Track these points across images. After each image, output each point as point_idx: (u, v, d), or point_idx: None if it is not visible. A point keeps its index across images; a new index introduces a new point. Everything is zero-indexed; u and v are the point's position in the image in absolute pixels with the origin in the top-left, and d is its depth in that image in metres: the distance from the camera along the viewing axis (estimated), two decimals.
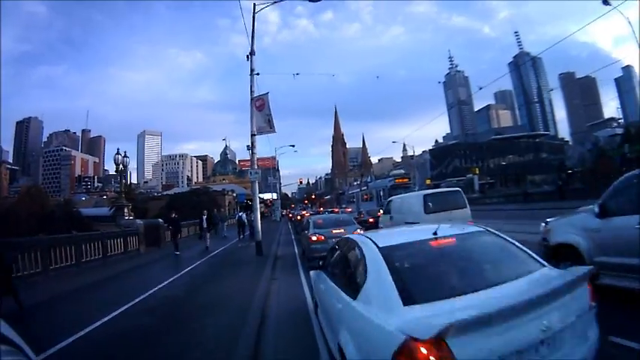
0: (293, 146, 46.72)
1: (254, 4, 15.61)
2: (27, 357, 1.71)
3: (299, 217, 27.49)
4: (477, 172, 59.72)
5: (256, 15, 15.57)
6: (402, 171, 33.09)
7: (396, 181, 26.77)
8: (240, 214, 27.32)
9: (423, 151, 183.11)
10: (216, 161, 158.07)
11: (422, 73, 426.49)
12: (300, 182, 54.37)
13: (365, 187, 32.63)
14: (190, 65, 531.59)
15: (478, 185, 57.33)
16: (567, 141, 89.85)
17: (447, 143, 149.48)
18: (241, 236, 24.50)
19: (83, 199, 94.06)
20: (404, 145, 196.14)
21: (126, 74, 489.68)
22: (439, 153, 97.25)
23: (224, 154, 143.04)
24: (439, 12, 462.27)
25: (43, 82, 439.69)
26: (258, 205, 16.34)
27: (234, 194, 58.56)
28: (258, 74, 15.91)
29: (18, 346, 1.66)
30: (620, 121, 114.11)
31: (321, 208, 49.91)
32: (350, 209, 30.59)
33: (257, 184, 15.68)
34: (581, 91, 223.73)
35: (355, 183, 45.64)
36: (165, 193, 75.91)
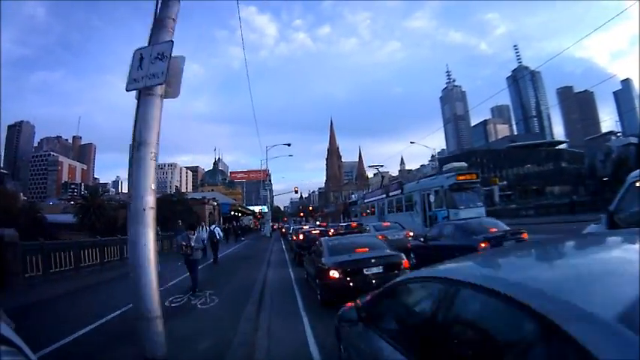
0: (289, 145, 39.55)
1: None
2: (27, 357, 1.64)
3: (300, 237, 17.03)
4: (497, 182, 52.22)
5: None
6: (464, 163, 22.64)
7: (458, 178, 17.75)
8: (212, 227, 19.03)
9: (422, 165, 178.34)
10: (205, 171, 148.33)
11: (418, 88, 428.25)
12: (296, 191, 45.96)
13: (396, 191, 23.51)
14: (186, 76, 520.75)
15: (498, 197, 50.27)
16: (582, 151, 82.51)
17: (462, 150, 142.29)
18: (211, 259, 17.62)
19: (51, 203, 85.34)
20: (401, 159, 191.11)
21: (122, 82, 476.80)
22: (451, 161, 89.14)
23: (214, 164, 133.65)
24: (436, 27, 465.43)
25: (38, 86, 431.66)
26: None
27: (216, 203, 50.03)
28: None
29: (17, 346, 1.60)
30: (618, 134, 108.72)
31: (324, 223, 41.49)
32: (387, 223, 18.46)
33: None
34: (579, 106, 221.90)
35: (367, 191, 37.13)
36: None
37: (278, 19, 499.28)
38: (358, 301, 3.67)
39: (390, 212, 24.09)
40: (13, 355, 1.53)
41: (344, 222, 37.40)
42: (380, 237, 16.06)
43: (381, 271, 7.49)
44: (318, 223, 62.72)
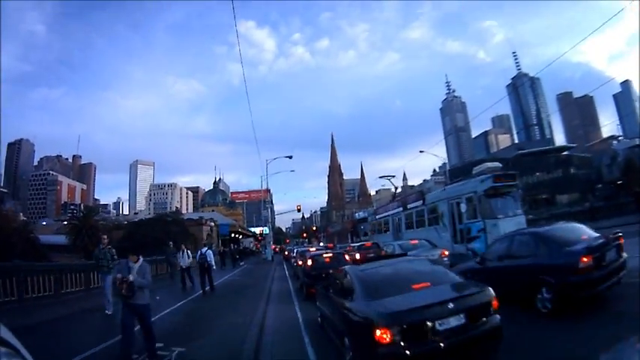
0: (290, 157, 36.30)
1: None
2: (24, 359, 1.65)
3: (309, 262, 12.85)
4: None
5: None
6: (498, 163, 18.82)
7: (496, 181, 14.56)
8: (204, 250, 15.79)
9: (424, 180, 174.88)
10: (205, 191, 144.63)
11: (418, 100, 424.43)
12: (299, 209, 42.96)
13: (416, 203, 20.02)
14: (186, 94, 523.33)
15: None
16: (589, 156, 79.56)
17: (465, 161, 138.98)
18: (203, 288, 14.91)
19: (44, 224, 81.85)
20: (404, 174, 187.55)
21: (122, 100, 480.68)
22: (460, 172, 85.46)
23: (215, 183, 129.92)
24: (434, 37, 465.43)
25: (38, 103, 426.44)
26: None
27: (214, 224, 46.64)
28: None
29: (16, 348, 1.62)
30: (620, 138, 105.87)
31: (330, 244, 38.12)
32: (415, 240, 15.66)
33: None
34: (579, 111, 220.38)
35: (378, 206, 33.84)
36: (128, 220, 62.29)
37: (277, 33, 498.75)
38: None
39: (408, 228, 20.83)
40: (11, 357, 1.54)
41: (353, 242, 33.85)
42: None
43: (463, 322, 4.36)
44: (322, 244, 59.07)
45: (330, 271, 11.35)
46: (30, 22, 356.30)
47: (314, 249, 21.40)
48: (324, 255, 12.70)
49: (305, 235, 73.07)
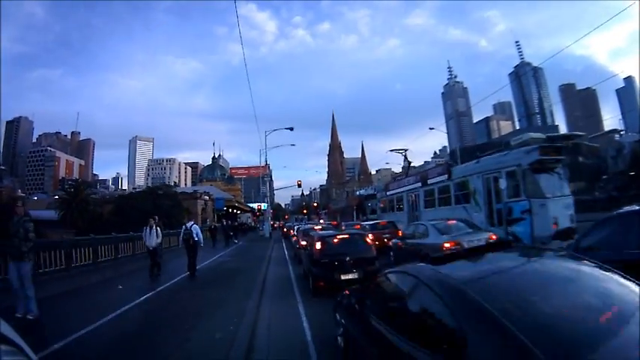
0: (291, 129, 33.17)
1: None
2: (27, 357, 1.63)
3: (318, 246, 9.24)
4: None
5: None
6: (540, 134, 15.97)
7: (543, 153, 11.99)
8: (189, 224, 12.96)
9: (425, 161, 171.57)
10: (204, 166, 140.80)
11: (419, 85, 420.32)
12: (299, 184, 39.68)
13: (440, 178, 17.15)
14: (186, 73, 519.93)
15: None
16: (598, 145, 76.92)
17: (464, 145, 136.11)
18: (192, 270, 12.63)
19: (35, 198, 79.27)
20: (405, 155, 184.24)
21: (122, 80, 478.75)
22: (471, 152, 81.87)
23: (213, 158, 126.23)
24: (436, 25, 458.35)
25: (38, 83, 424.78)
26: None
27: (208, 197, 43.62)
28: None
29: (18, 345, 1.59)
30: (622, 132, 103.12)
31: (334, 221, 35.11)
32: (452, 220, 11.69)
33: None
34: (582, 104, 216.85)
35: (391, 181, 31.01)
36: (119, 194, 58.88)
37: (278, 16, 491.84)
38: None
39: (429, 207, 17.91)
40: (13, 355, 1.50)
41: (360, 220, 30.89)
42: (450, 244, 10.00)
43: None
44: (322, 221, 56.09)
45: (348, 258, 8.56)
46: (29, 3, 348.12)
47: (319, 227, 18.35)
48: (339, 237, 9.57)
49: (305, 211, 69.25)
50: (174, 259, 15.89)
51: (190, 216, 38.80)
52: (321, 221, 38.47)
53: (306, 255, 10.44)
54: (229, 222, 36.53)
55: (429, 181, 18.08)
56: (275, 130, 33.23)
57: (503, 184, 12.44)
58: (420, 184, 19.07)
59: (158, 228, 12.70)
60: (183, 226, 13.52)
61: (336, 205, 43.84)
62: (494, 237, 9.74)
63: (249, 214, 63.99)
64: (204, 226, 32.30)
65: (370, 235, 10.81)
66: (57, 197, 51.41)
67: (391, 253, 12.95)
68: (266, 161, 37.34)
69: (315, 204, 57.04)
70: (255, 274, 12.13)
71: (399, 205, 21.98)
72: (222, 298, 8.47)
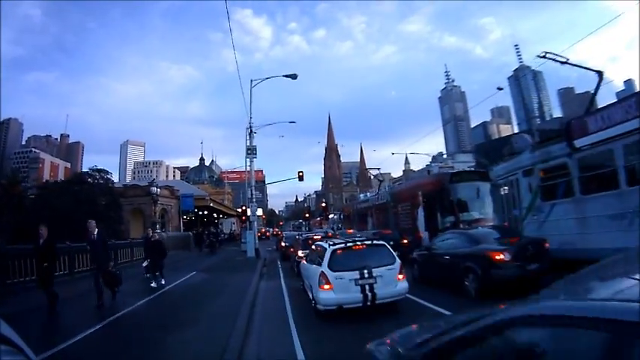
0: (294, 77, 22.14)
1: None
2: (27, 357, 1.56)
3: None
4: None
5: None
6: None
7: None
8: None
9: (427, 165, 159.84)
10: (191, 168, 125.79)
11: (414, 92, 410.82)
12: (300, 176, 25.72)
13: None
14: (181, 79, 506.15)
15: None
16: None
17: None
18: None
19: None
20: (406, 158, 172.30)
21: (116, 84, 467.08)
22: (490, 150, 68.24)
23: (201, 159, 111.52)
24: (431, 31, 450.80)
25: (33, 86, 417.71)
26: None
27: (170, 193, 29.66)
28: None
29: (18, 346, 1.52)
30: None
31: (349, 229, 22.07)
32: None
33: None
34: (581, 108, 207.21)
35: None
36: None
37: (273, 22, 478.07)
38: None
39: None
40: (13, 355, 1.46)
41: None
42: None
43: None
44: (325, 227, 42.08)
45: None
46: (25, 6, 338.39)
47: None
48: None
49: (308, 214, 55.09)
50: None
51: (145, 219, 25.54)
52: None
53: None
54: (197, 230, 23.25)
55: None
56: (268, 78, 20.33)
57: None
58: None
59: None
60: None
61: (359, 204, 28.51)
62: None
63: (233, 220, 50.36)
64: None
65: None
66: None
67: None
68: (253, 149, 22.71)
69: (324, 203, 43.05)
70: None
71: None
72: None
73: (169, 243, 23.71)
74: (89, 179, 25.71)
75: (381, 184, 28.86)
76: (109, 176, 26.28)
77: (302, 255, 11.92)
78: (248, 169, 21.59)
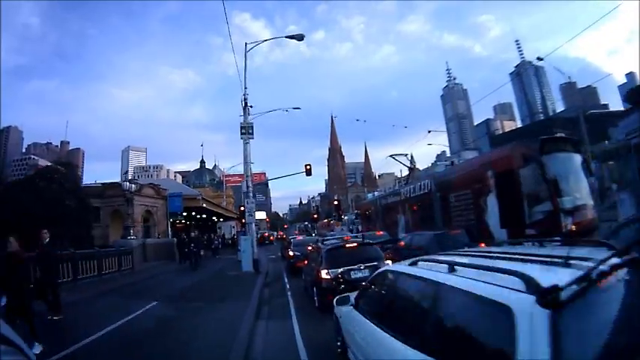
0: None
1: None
2: (26, 357, 1.59)
3: None
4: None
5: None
6: None
7: None
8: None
9: (433, 163, 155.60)
10: (191, 171, 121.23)
11: (415, 91, 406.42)
12: (307, 169, 20.76)
13: None
14: (181, 84, 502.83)
15: None
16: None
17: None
18: None
19: None
20: (411, 158, 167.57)
21: (117, 90, 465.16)
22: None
23: (202, 162, 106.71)
24: (431, 30, 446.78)
25: (33, 95, 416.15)
26: None
27: (155, 192, 24.89)
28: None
29: (17, 346, 1.54)
30: None
31: (379, 231, 17.06)
32: None
33: None
34: (584, 102, 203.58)
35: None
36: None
37: (272, 25, 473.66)
38: None
39: None
40: (12, 355, 1.47)
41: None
42: None
43: None
44: (340, 228, 37.48)
45: None
46: (25, 14, 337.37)
47: None
48: None
49: (316, 215, 50.66)
50: None
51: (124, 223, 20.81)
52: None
53: None
54: (186, 235, 18.53)
55: None
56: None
57: None
58: None
59: None
60: None
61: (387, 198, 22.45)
62: None
63: (233, 223, 45.35)
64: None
65: None
66: None
67: None
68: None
69: (336, 201, 37.75)
70: None
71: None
72: None
73: (150, 253, 18.86)
74: (55, 175, 21.02)
75: (411, 173, 24.16)
76: (78, 172, 21.91)
77: (328, 277, 8.04)
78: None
